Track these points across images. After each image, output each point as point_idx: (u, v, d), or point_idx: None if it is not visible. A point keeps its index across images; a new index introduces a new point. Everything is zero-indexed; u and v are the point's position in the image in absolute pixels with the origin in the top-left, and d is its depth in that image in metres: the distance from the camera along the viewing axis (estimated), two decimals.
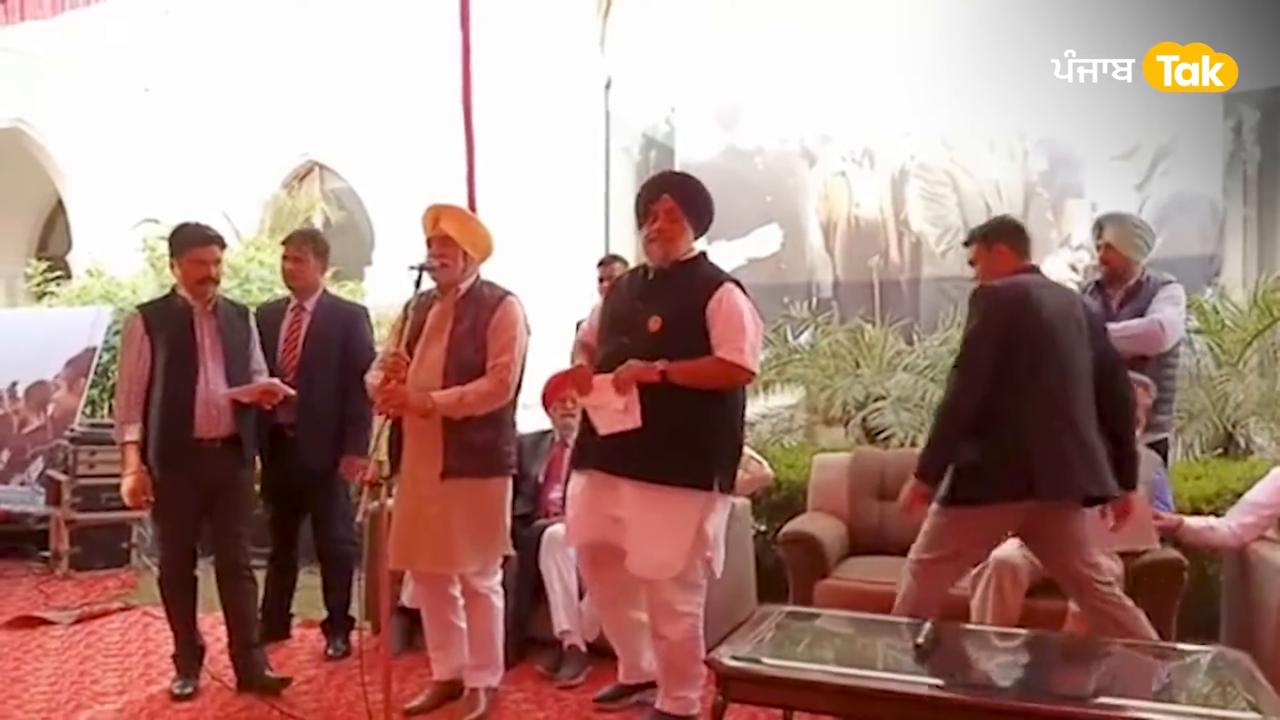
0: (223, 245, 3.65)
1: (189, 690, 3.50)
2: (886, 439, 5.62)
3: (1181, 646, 2.90)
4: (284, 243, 4.20)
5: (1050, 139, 7.30)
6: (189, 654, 3.60)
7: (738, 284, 3.02)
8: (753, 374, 2.99)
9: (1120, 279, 3.85)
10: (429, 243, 3.19)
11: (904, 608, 3.00)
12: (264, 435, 3.88)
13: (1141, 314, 3.73)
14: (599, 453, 3.02)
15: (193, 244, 3.57)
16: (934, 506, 2.96)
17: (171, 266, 3.67)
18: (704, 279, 3.01)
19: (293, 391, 3.73)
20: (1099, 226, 3.96)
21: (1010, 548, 3.34)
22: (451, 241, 3.16)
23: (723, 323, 2.93)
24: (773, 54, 8.23)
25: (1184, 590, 3.30)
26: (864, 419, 5.86)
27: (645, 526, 2.93)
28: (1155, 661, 2.77)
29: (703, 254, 3.13)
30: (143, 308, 3.68)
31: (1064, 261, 7.09)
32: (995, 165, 7.49)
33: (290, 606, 4.22)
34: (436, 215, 3.22)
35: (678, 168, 8.40)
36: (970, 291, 3.13)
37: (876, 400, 5.93)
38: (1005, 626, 3.14)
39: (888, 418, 5.74)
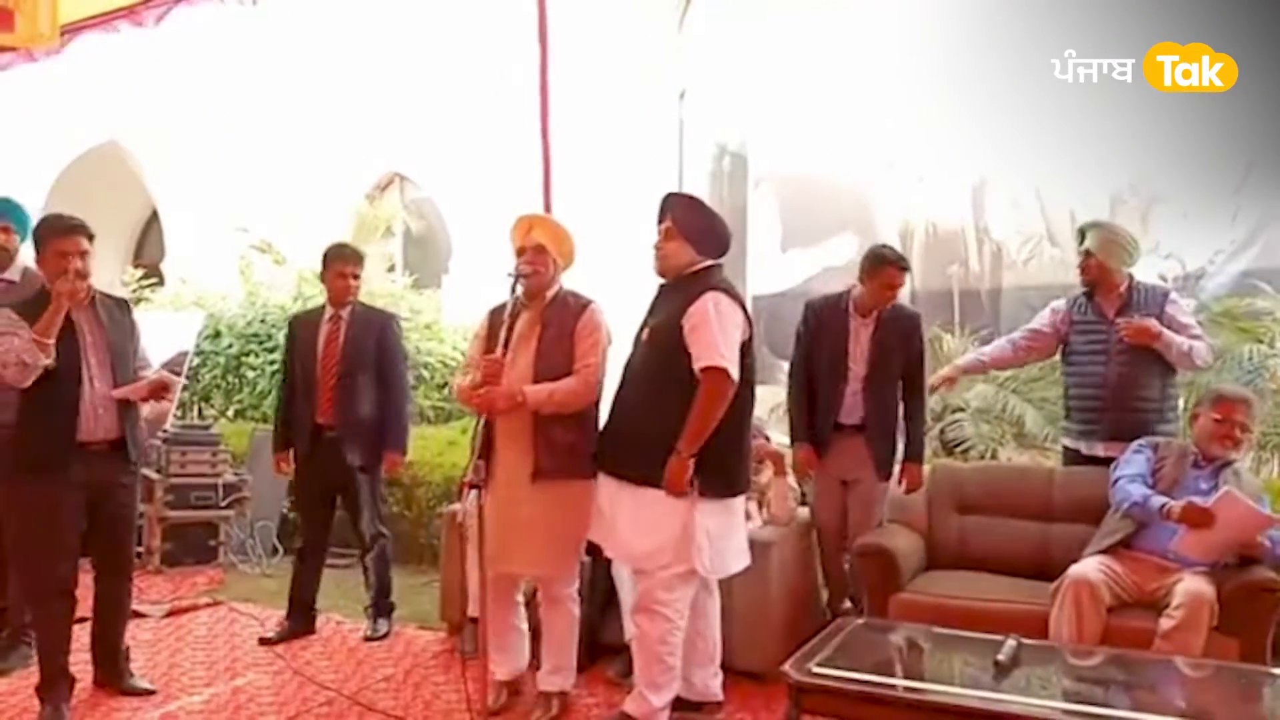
0: (90, 237, 3.30)
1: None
2: (965, 451, 5.53)
3: (1277, 671, 2.79)
4: (339, 259, 4.21)
5: (1138, 145, 7.06)
6: (60, 681, 3.31)
7: (728, 292, 3.01)
8: (728, 375, 2.89)
9: (1108, 287, 3.81)
10: (520, 251, 3.25)
11: None
12: (303, 435, 4.15)
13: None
14: (599, 453, 3.18)
15: (55, 234, 3.26)
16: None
17: (37, 263, 3.38)
18: (693, 292, 2.99)
19: (182, 381, 3.67)
20: (1080, 233, 3.94)
21: (1089, 565, 3.25)
22: (544, 250, 3.23)
23: (690, 334, 2.95)
24: (849, 62, 8.16)
25: None
26: (941, 431, 5.77)
27: (629, 520, 3.04)
28: (1249, 684, 2.67)
29: (710, 267, 3.10)
30: (15, 307, 3.27)
31: (1154, 271, 6.85)
32: (1080, 172, 7.28)
33: (315, 601, 4.33)
34: (529, 225, 3.31)
35: (752, 177, 8.38)
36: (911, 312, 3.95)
37: (955, 412, 5.84)
38: (1086, 644, 3.06)
39: (966, 430, 5.65)
